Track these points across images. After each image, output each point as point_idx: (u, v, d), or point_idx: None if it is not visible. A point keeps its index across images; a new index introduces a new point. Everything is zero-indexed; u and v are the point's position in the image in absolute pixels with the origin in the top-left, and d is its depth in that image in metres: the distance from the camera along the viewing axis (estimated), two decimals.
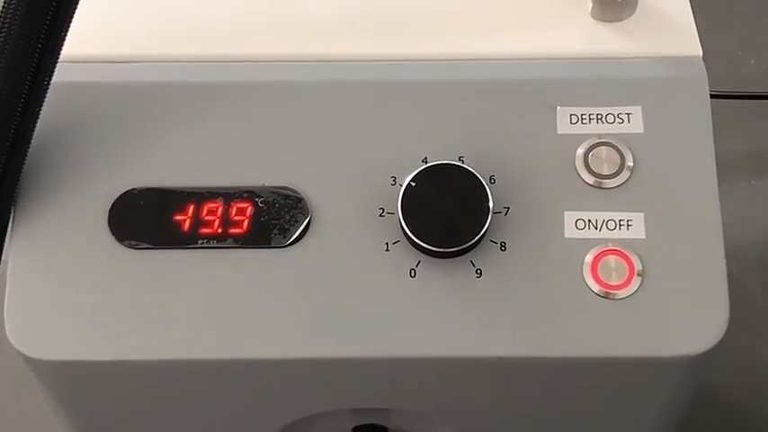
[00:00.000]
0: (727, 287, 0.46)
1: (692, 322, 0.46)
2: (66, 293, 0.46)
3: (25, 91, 0.44)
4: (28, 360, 0.46)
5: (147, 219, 0.47)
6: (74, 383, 0.48)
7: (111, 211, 0.47)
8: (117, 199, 0.47)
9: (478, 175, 0.46)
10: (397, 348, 0.45)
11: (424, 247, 0.45)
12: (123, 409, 0.50)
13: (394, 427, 0.54)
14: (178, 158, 0.48)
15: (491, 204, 0.45)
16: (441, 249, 0.45)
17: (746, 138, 1.23)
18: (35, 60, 0.43)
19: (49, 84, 0.44)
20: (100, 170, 0.47)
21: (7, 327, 0.46)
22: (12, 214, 0.46)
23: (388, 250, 0.46)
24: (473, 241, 0.45)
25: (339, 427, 0.54)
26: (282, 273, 0.46)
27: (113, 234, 0.47)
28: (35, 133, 0.45)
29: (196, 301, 0.46)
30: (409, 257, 0.46)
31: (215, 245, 0.46)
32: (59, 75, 0.45)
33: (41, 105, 0.45)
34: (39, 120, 0.45)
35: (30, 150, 0.46)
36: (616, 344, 0.45)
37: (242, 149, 0.48)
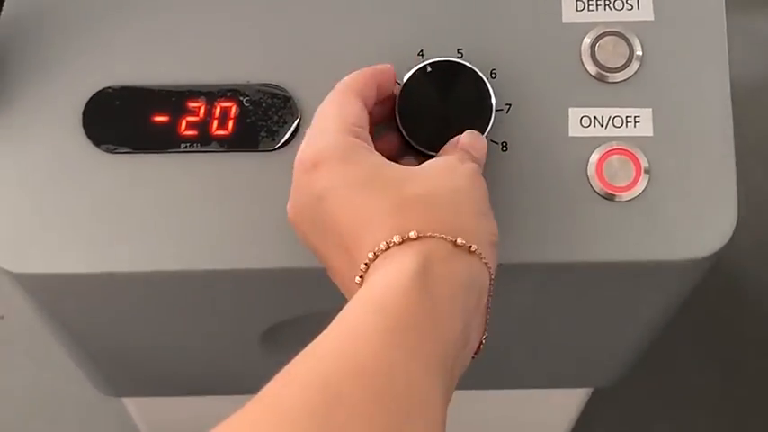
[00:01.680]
0: (735, 186, 0.44)
1: (700, 224, 0.44)
2: (43, 204, 0.43)
3: None
4: (5, 273, 0.44)
5: (124, 121, 0.44)
6: (56, 294, 0.46)
7: (85, 112, 0.44)
8: (90, 99, 0.44)
9: (479, 72, 0.43)
10: None
11: (422, 151, 0.43)
12: (108, 315, 0.48)
13: None
14: (156, 54, 0.44)
15: (493, 102, 0.43)
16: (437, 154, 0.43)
17: None
18: None
19: None
20: (71, 68, 0.44)
21: None
22: None
23: None
24: None
25: (324, 321, 0.53)
26: (271, 178, 0.43)
27: (89, 137, 0.44)
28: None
29: (180, 208, 0.43)
30: (407, 161, 0.43)
31: (199, 149, 0.44)
32: None
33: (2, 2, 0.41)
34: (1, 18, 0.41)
35: None
36: (621, 248, 0.44)
37: (225, 44, 0.44)
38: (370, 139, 0.40)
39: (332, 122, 0.39)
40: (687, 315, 1.16)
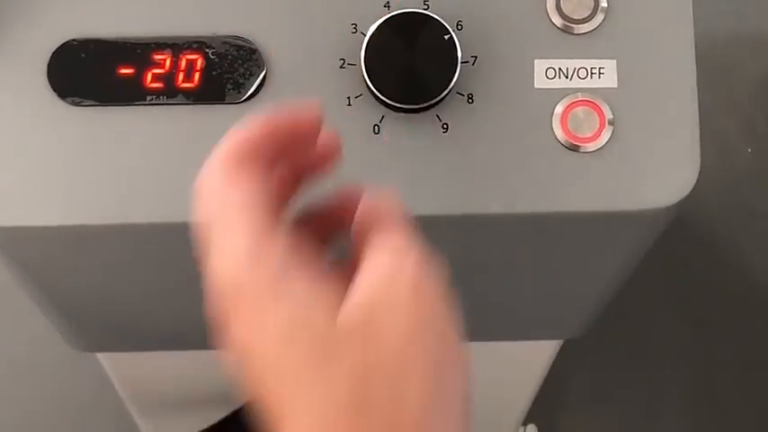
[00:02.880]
0: (698, 137, 0.45)
1: (663, 174, 0.44)
2: (7, 155, 0.43)
3: None
4: None
5: (89, 73, 0.43)
6: (21, 247, 0.46)
7: (50, 64, 0.43)
8: (55, 51, 0.43)
9: (445, 24, 0.43)
10: None
11: (387, 102, 0.43)
12: (76, 273, 0.49)
13: None
14: (120, 5, 0.44)
15: (459, 54, 0.43)
16: (406, 105, 0.43)
17: None
18: None
19: None
20: (35, 20, 0.43)
21: None
22: None
23: (350, 105, 0.44)
24: (440, 95, 0.43)
25: None
26: None
27: (54, 90, 0.43)
28: None
29: (146, 162, 0.43)
30: (373, 112, 0.44)
31: (165, 101, 0.44)
32: None
33: None
34: None
35: None
36: (586, 198, 0.44)
37: None
38: (284, 221, 0.33)
39: (236, 236, 0.31)
40: (658, 268, 1.17)
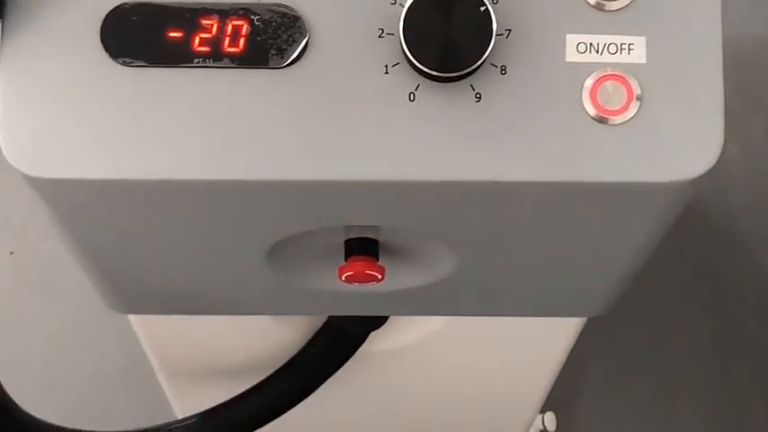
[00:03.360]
0: (723, 113, 0.46)
1: (687, 148, 0.46)
2: (61, 111, 0.45)
3: None
4: (24, 177, 0.46)
5: (140, 35, 0.46)
6: (70, 200, 0.48)
7: (103, 26, 0.46)
8: (109, 13, 0.46)
9: None
10: (395, 172, 0.46)
11: (423, 71, 0.45)
12: (119, 226, 0.51)
13: (385, 240, 0.55)
14: None
15: (494, 27, 0.45)
16: (441, 73, 0.45)
17: None
18: None
19: None
20: None
21: (2, 144, 0.45)
22: (0, 27, 0.45)
23: (387, 73, 0.46)
24: (475, 65, 0.45)
25: (331, 239, 0.55)
26: (280, 94, 0.46)
27: (107, 51, 0.46)
28: None
29: (191, 121, 0.45)
30: (409, 80, 0.46)
31: (211, 64, 0.46)
32: None
33: None
34: None
35: None
36: (612, 169, 0.46)
37: None
38: None
39: None
40: (679, 265, 1.19)
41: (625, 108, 0.46)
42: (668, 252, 1.15)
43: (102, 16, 0.46)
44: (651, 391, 1.15)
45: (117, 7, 0.46)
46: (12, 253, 1.13)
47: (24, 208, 1.07)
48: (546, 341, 0.75)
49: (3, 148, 0.45)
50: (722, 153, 0.47)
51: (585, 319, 0.70)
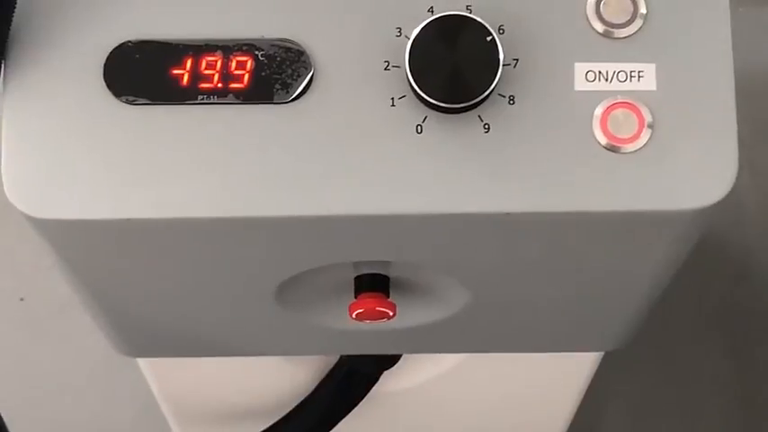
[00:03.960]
0: (736, 140, 0.46)
1: (700, 176, 0.45)
2: (63, 150, 0.45)
3: None
4: (27, 219, 0.45)
5: (143, 73, 0.45)
6: (74, 241, 0.47)
7: (106, 64, 0.45)
8: (112, 52, 0.45)
9: (488, 26, 0.44)
10: (403, 205, 0.45)
11: (430, 102, 0.44)
12: (124, 266, 0.50)
13: (396, 276, 0.54)
14: (174, 9, 0.45)
15: (501, 56, 0.44)
16: (448, 104, 0.44)
17: None
18: None
19: None
20: (93, 22, 0.45)
21: (6, 185, 0.45)
22: (2, 67, 0.45)
23: (393, 105, 0.45)
24: (482, 95, 0.44)
25: (340, 276, 0.54)
26: (285, 129, 0.45)
27: (110, 89, 0.45)
28: None
29: (196, 158, 0.45)
30: (415, 113, 0.45)
31: (215, 100, 0.45)
32: None
33: None
34: None
35: (18, 3, 0.43)
36: (623, 198, 0.45)
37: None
38: None
39: None
40: (700, 301, 1.17)
41: (636, 136, 0.45)
42: (687, 286, 1.14)
43: (105, 55, 0.45)
44: (671, 428, 1.13)
45: (120, 45, 0.45)
46: (22, 299, 1.12)
47: (35, 252, 1.07)
48: (563, 376, 0.74)
49: (6, 189, 0.45)
50: (737, 185, 0.46)
51: (603, 353, 0.68)
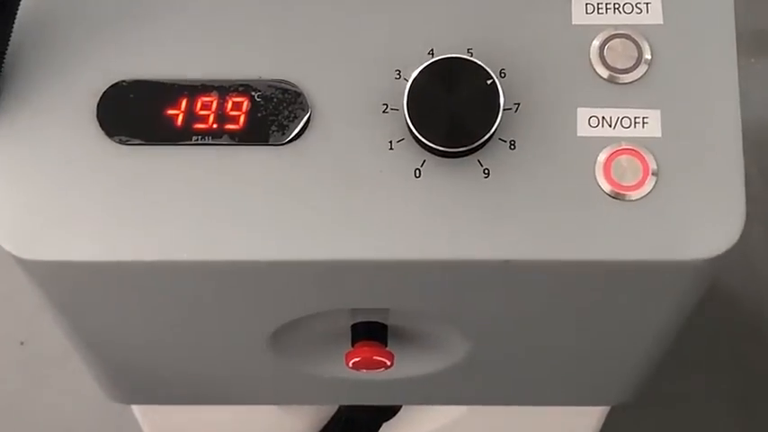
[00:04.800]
0: (744, 189, 0.44)
1: (707, 224, 0.44)
2: (54, 191, 0.44)
3: None
4: (16, 260, 0.44)
5: (137, 113, 0.44)
6: (64, 283, 0.46)
7: (99, 104, 0.44)
8: (105, 92, 0.45)
9: (488, 70, 0.43)
10: (401, 250, 0.44)
11: (429, 146, 0.43)
12: (115, 310, 0.49)
13: (393, 324, 0.53)
14: (169, 48, 0.45)
15: (502, 101, 0.43)
16: (447, 149, 0.43)
17: (748, 15, 1.20)
18: None
19: None
20: (87, 61, 0.45)
21: None
22: None
23: (392, 149, 0.44)
24: (482, 140, 0.43)
25: (337, 323, 0.53)
26: (281, 171, 0.44)
27: (103, 129, 0.44)
28: (16, 22, 0.42)
29: (191, 200, 0.44)
30: (414, 156, 0.44)
31: (210, 141, 0.44)
32: None
33: None
34: (19, 9, 0.42)
35: (11, 40, 0.43)
36: (627, 247, 0.44)
37: (237, 39, 0.45)
38: None
39: None
40: (710, 355, 1.15)
41: (641, 183, 0.44)
42: (697, 340, 1.12)
43: (99, 94, 0.44)
44: None
45: (114, 84, 0.45)
46: (22, 343, 1.11)
47: (35, 296, 1.06)
48: (572, 424, 0.72)
49: None
50: (749, 238, 0.44)
51: (609, 408, 0.67)
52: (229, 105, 0.44)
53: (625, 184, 0.44)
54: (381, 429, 0.69)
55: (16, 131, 0.44)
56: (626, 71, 0.45)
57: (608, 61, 0.45)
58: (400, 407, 0.68)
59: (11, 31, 0.43)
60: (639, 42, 0.45)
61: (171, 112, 0.44)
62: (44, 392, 1.10)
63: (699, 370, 1.15)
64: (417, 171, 0.44)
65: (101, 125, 0.44)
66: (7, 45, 0.43)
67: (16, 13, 0.42)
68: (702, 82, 0.45)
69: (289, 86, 0.44)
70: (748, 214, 0.50)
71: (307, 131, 0.44)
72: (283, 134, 0.44)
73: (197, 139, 0.44)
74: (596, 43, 0.45)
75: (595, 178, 0.44)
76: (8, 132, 0.44)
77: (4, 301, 1.12)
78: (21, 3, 0.43)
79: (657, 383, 0.60)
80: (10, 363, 1.11)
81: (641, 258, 0.44)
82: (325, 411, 0.69)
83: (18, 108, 0.44)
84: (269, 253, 0.44)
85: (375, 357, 0.51)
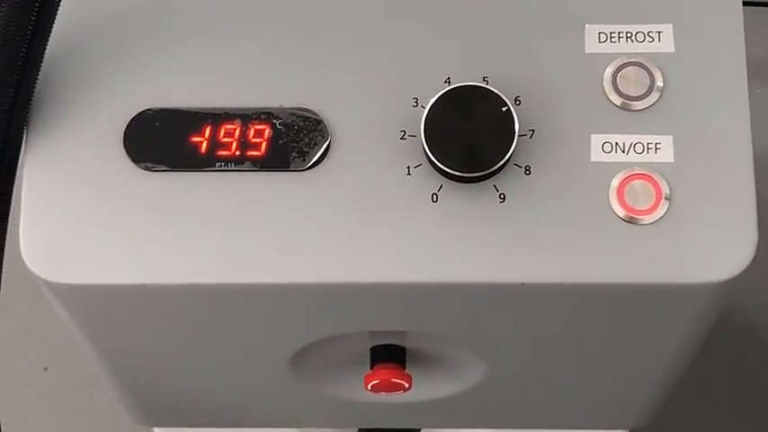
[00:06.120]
0: (755, 213, 0.45)
1: (719, 248, 0.45)
2: (82, 216, 0.45)
3: (36, 8, 0.42)
4: (44, 283, 0.45)
5: (162, 140, 0.46)
6: (90, 307, 0.47)
7: (126, 132, 0.46)
8: (132, 120, 0.46)
9: (504, 97, 0.44)
10: (419, 274, 0.45)
11: (446, 172, 0.44)
12: (140, 333, 0.50)
13: (412, 347, 0.54)
14: (194, 78, 0.46)
15: (517, 127, 0.44)
16: (464, 174, 0.44)
17: (762, 44, 1.20)
18: None
19: (59, 2, 0.43)
20: (114, 90, 0.46)
21: (23, 250, 0.45)
22: (24, 136, 0.45)
23: (409, 174, 0.45)
24: (498, 165, 0.44)
25: (356, 346, 0.54)
26: (301, 197, 0.45)
27: (129, 156, 0.46)
28: (47, 52, 0.44)
29: (213, 225, 0.45)
30: (431, 182, 0.45)
31: (233, 167, 0.45)
32: None
33: (52, 23, 0.43)
34: (50, 39, 0.43)
35: (41, 70, 0.44)
36: (641, 270, 0.44)
37: (259, 69, 0.46)
38: None
39: None
40: (730, 384, 1.15)
41: (654, 208, 0.45)
42: (715, 369, 1.12)
43: (126, 122, 0.46)
44: None
45: (140, 113, 0.46)
46: (46, 369, 1.12)
47: (60, 322, 1.07)
48: None
49: (23, 253, 0.45)
50: (765, 266, 0.45)
51: None
52: (252, 133, 0.46)
53: (638, 209, 0.45)
54: None
55: (46, 159, 0.46)
56: (639, 98, 0.46)
57: (621, 89, 0.46)
58: (419, 430, 0.69)
59: (41, 62, 0.44)
60: (652, 70, 0.46)
61: (195, 139, 0.46)
62: (68, 419, 1.11)
63: (718, 395, 1.14)
64: (434, 196, 0.45)
65: (127, 152, 0.46)
66: (38, 75, 0.44)
67: (46, 45, 0.44)
68: (714, 108, 0.46)
69: (309, 114, 0.46)
70: (765, 239, 0.50)
71: (327, 158, 0.45)
72: (304, 160, 0.45)
73: (220, 166, 0.45)
74: (609, 71, 0.46)
75: (609, 203, 0.45)
76: (38, 160, 0.46)
77: (28, 327, 1.13)
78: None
79: (675, 409, 0.61)
80: (33, 389, 1.12)
81: (654, 281, 0.45)
82: None
83: (48, 136, 0.46)
84: (290, 276, 0.45)
85: (393, 380, 0.52)
